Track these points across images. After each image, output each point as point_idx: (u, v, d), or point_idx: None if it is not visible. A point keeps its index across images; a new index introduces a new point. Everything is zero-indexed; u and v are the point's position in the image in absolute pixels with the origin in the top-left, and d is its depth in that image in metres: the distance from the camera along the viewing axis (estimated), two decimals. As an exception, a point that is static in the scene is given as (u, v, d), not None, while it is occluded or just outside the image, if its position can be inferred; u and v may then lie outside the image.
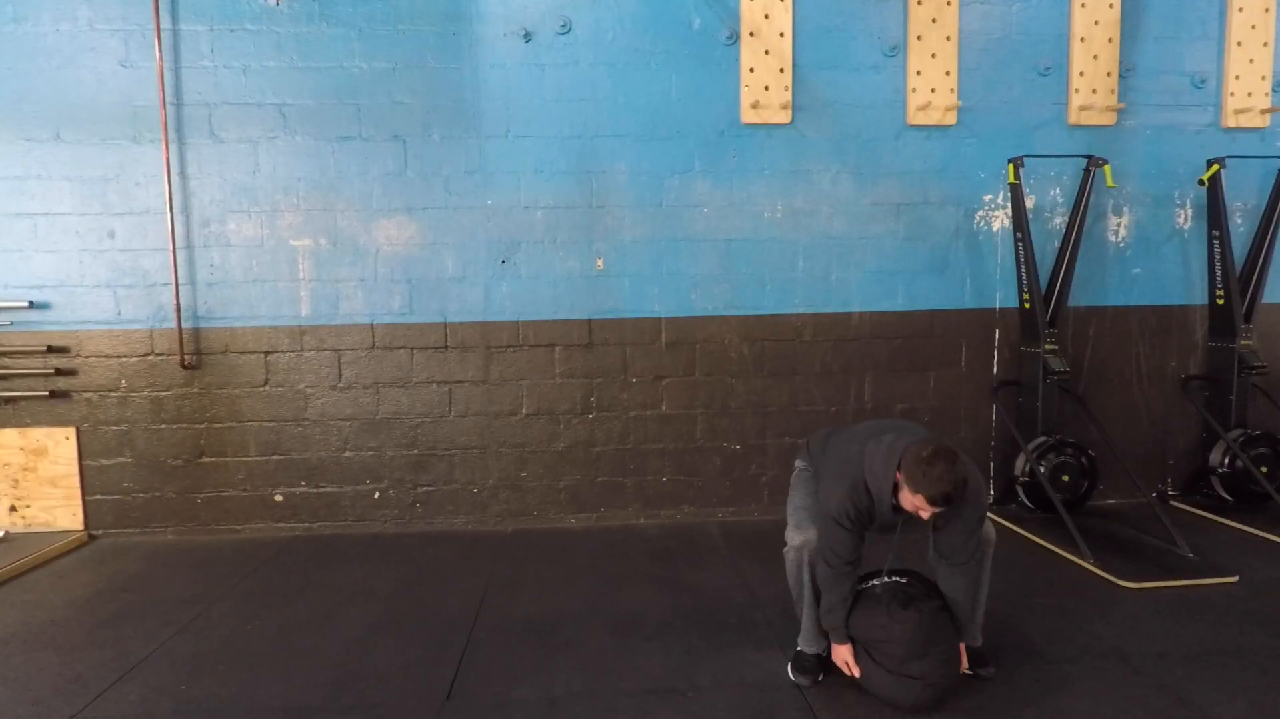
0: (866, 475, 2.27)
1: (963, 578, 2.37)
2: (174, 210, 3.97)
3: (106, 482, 4.08)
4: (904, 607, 2.32)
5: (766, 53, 4.06)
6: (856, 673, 2.39)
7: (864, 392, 4.29)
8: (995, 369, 4.36)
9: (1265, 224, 4.23)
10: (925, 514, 2.17)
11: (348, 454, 4.14)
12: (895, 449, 2.22)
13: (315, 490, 4.15)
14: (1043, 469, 3.95)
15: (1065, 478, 3.99)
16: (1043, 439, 4.09)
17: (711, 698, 2.42)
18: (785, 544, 2.52)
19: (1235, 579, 3.24)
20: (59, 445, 4.04)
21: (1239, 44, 4.27)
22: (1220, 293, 4.23)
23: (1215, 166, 4.13)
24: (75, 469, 4.05)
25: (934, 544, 2.39)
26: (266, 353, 4.08)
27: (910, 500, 2.17)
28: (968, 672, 2.45)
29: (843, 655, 2.43)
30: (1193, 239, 4.40)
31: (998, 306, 4.32)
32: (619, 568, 3.57)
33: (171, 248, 3.98)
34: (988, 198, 4.25)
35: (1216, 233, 4.19)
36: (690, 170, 4.13)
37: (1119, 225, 4.36)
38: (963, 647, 2.45)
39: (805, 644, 2.55)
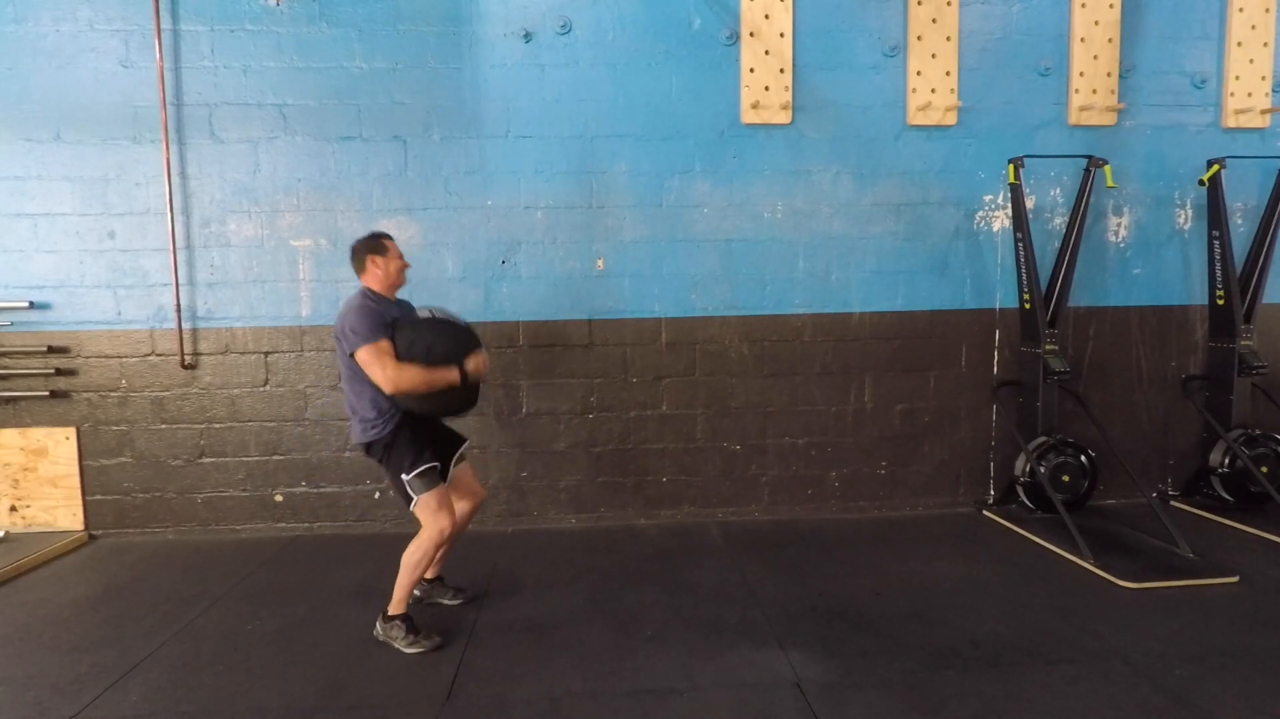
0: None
1: None
2: (174, 210, 3.98)
3: (106, 482, 4.08)
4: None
5: (766, 53, 4.06)
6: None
7: (864, 392, 4.29)
8: (995, 369, 4.36)
9: (1265, 224, 4.23)
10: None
11: (348, 454, 4.13)
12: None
13: (315, 490, 4.15)
14: (1043, 469, 3.95)
15: (1065, 478, 4.00)
16: (1043, 439, 4.10)
17: (711, 698, 2.42)
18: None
19: (1235, 579, 3.25)
20: (59, 445, 4.04)
21: (1239, 44, 4.27)
22: (1220, 293, 4.23)
23: (1215, 167, 4.13)
24: (75, 469, 4.05)
25: None
26: (266, 353, 4.08)
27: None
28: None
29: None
30: (1193, 239, 4.40)
31: (998, 306, 4.32)
32: (619, 568, 3.57)
33: (172, 248, 3.98)
34: (988, 198, 4.26)
35: (1216, 233, 4.20)
36: (690, 170, 4.13)
37: (1119, 225, 4.36)
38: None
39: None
